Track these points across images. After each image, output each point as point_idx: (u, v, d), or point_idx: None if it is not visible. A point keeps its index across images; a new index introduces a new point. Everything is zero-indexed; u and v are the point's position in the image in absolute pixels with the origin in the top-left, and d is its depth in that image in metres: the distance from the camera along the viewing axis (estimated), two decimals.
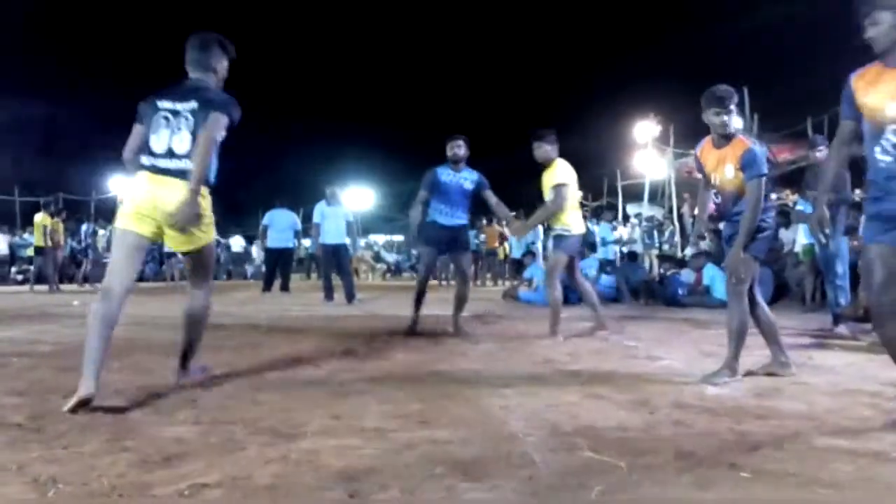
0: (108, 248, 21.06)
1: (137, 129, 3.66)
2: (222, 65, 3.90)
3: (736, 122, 4.24)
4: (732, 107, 4.14)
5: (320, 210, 11.14)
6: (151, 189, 3.51)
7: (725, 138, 4.21)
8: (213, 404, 3.40)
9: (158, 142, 3.54)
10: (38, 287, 15.16)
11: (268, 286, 13.40)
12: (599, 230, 15.35)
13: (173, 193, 3.46)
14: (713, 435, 2.83)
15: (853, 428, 2.94)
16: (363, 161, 36.83)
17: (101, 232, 22.33)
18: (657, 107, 21.87)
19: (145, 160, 3.55)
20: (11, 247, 20.39)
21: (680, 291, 10.15)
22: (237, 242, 29.72)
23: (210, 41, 3.87)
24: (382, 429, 2.92)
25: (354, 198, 30.26)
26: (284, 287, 13.38)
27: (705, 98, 4.23)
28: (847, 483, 2.25)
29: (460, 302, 6.68)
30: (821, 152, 6.94)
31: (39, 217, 15.25)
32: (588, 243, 13.40)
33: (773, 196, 4.83)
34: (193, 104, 3.57)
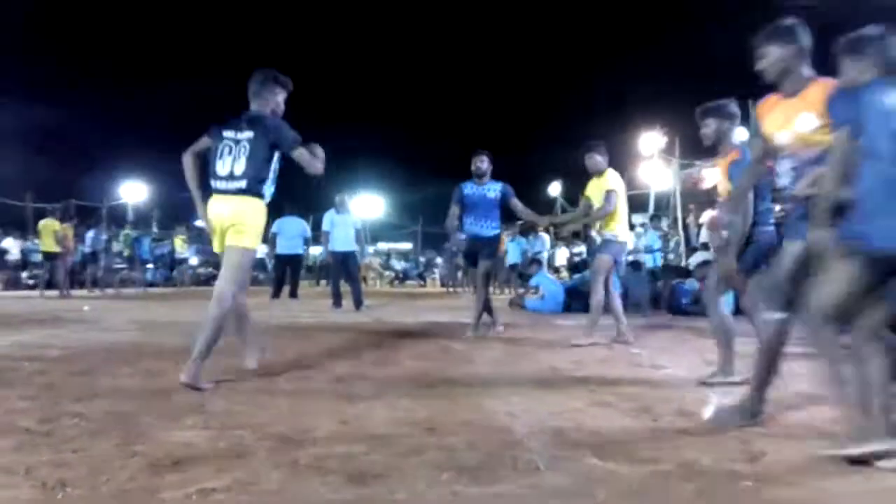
0: (121, 253, 21.24)
1: (205, 140, 4.35)
2: (277, 97, 4.45)
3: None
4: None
5: (330, 218, 11.20)
6: (215, 207, 4.22)
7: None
8: (222, 409, 3.42)
9: (223, 167, 4.18)
10: (48, 292, 15.23)
11: (276, 293, 13.44)
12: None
13: (230, 206, 4.17)
14: (716, 443, 2.84)
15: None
16: (373, 169, 36.92)
17: (119, 234, 22.53)
18: (663, 118, 21.89)
19: (213, 183, 4.23)
20: (23, 252, 20.49)
21: (684, 300, 10.13)
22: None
23: (267, 76, 4.43)
24: (390, 435, 2.94)
25: (364, 206, 30.35)
26: (293, 294, 13.40)
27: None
28: (851, 493, 2.26)
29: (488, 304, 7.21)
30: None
31: (46, 222, 15.30)
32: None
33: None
34: (250, 133, 4.18)
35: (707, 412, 3.49)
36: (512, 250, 17.92)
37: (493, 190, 7.06)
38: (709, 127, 4.47)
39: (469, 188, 7.09)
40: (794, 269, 3.16)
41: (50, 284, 15.53)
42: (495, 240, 7.28)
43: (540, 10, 48.84)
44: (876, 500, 2.23)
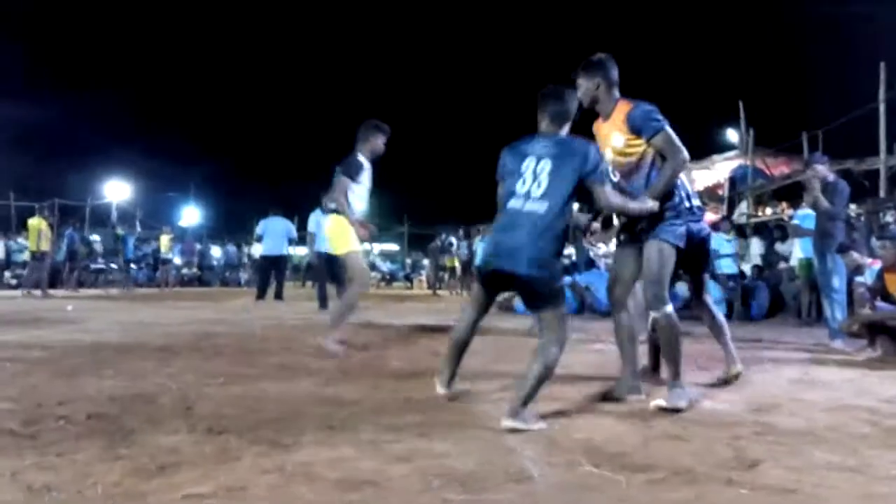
0: (103, 253, 21.09)
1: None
2: (377, 141, 5.93)
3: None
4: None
5: (315, 218, 11.13)
6: None
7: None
8: (208, 413, 3.37)
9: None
10: (35, 291, 15.08)
11: (262, 294, 13.37)
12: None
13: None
14: (711, 450, 2.82)
15: (852, 444, 2.93)
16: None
17: (94, 237, 22.37)
18: None
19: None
20: (7, 250, 20.30)
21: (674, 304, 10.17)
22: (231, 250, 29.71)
23: (369, 124, 5.91)
24: (378, 440, 2.90)
25: None
26: (278, 295, 13.34)
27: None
28: (846, 501, 2.24)
29: None
30: (820, 168, 6.93)
31: (35, 221, 15.16)
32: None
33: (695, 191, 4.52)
34: (339, 169, 5.79)
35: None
36: (463, 246, 16.65)
37: None
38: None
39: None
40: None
41: (36, 283, 15.39)
42: None
43: (525, 5, 49.00)
44: None
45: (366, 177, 5.88)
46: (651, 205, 3.65)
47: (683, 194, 3.86)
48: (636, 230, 3.83)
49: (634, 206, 3.67)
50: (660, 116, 3.71)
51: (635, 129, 3.72)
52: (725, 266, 11.52)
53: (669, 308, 3.68)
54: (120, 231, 20.76)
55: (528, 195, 3.38)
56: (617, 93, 3.87)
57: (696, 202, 4.27)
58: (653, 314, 3.78)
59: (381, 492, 2.27)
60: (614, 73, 3.85)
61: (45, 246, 15.11)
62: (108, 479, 2.34)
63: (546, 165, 3.38)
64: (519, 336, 7.38)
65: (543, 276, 3.29)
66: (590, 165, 3.39)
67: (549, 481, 2.39)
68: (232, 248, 29.15)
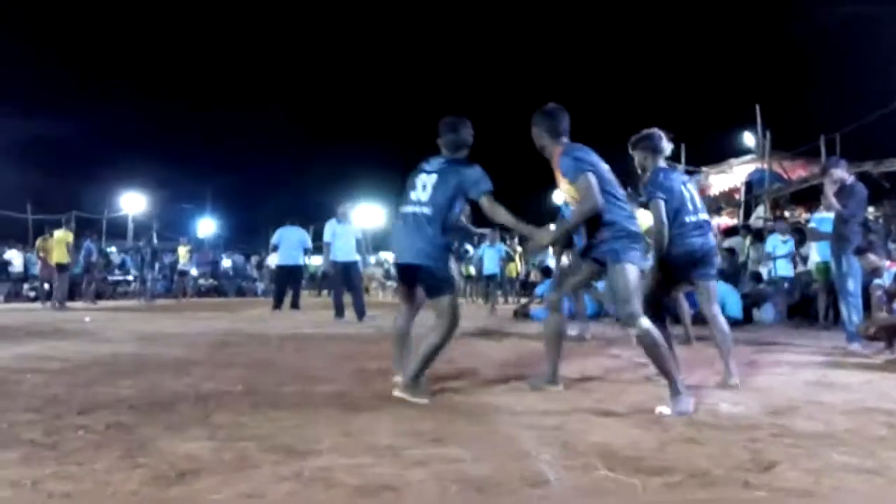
0: (121, 265, 21.25)
1: None
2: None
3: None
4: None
5: (331, 228, 11.17)
6: None
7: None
8: (226, 421, 3.40)
9: None
10: (70, 304, 15.24)
11: (278, 303, 13.42)
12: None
13: None
14: (727, 453, 2.81)
15: (870, 447, 2.91)
16: (373, 179, 36.98)
17: (111, 250, 22.56)
18: (670, 124, 21.89)
19: None
20: (26, 264, 20.50)
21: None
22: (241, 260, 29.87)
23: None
24: (395, 446, 2.91)
25: (365, 215, 30.33)
26: (295, 304, 13.39)
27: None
28: (864, 503, 2.23)
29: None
30: (838, 172, 6.89)
31: (61, 233, 15.32)
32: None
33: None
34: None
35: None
36: (489, 258, 15.90)
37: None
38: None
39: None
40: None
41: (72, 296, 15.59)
42: None
43: (539, 12, 49.06)
44: None
45: None
46: (539, 237, 4.25)
47: (625, 223, 4.02)
48: (595, 251, 4.03)
49: (523, 227, 4.31)
50: (583, 164, 4.00)
51: (563, 173, 4.10)
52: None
53: (646, 323, 3.81)
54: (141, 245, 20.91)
55: (418, 202, 4.11)
56: (561, 139, 4.20)
57: (703, 216, 4.71)
58: (631, 332, 3.91)
59: (399, 497, 2.28)
60: (558, 123, 4.22)
61: (69, 258, 15.27)
62: (127, 487, 2.37)
63: (432, 179, 4.13)
64: (536, 341, 7.37)
65: (431, 265, 4.04)
66: (468, 183, 4.09)
67: (564, 485, 2.40)
68: (239, 257, 29.29)
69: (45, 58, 39.03)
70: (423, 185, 4.14)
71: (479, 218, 4.90)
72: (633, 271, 3.93)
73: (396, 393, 3.96)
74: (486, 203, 4.09)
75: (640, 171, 4.70)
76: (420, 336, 4.26)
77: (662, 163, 4.91)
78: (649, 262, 4.81)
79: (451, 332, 4.07)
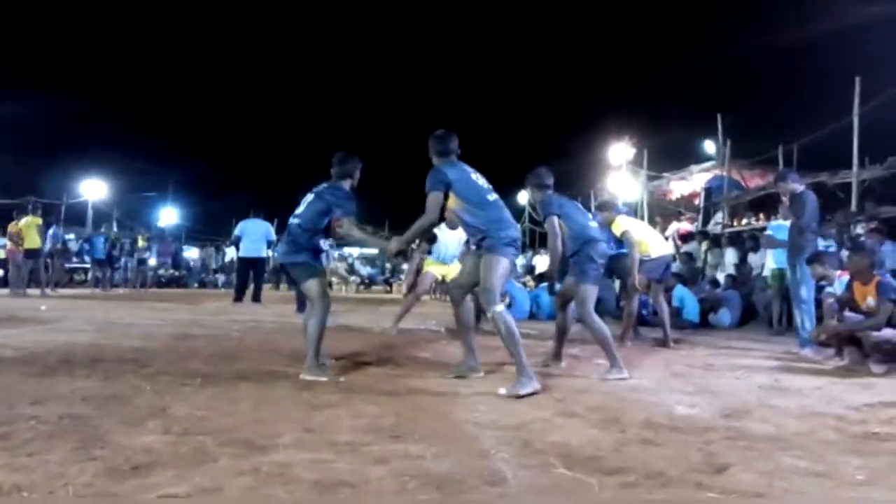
0: (78, 253, 20.81)
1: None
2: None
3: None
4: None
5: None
6: None
7: None
8: (184, 414, 3.36)
9: None
10: (30, 291, 14.89)
11: (239, 296, 13.29)
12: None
13: None
14: (682, 455, 2.85)
15: (819, 450, 2.98)
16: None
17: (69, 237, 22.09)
18: (632, 129, 22.15)
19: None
20: None
21: (644, 312, 10.18)
22: (209, 252, 29.49)
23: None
24: (355, 442, 2.91)
25: None
26: (256, 297, 13.26)
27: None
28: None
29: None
30: (787, 185, 7.10)
31: (29, 219, 14.99)
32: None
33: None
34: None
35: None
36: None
37: None
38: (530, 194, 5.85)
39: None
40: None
41: (35, 282, 15.25)
42: None
43: (505, 24, 49.24)
44: None
45: None
46: (392, 245, 4.90)
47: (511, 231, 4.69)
48: (478, 249, 4.72)
49: (372, 240, 5.90)
50: (432, 183, 4.61)
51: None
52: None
53: (500, 308, 4.44)
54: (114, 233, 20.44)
55: (294, 215, 4.98)
56: (437, 160, 4.77)
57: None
58: (488, 314, 4.53)
59: (358, 493, 2.28)
60: (439, 145, 4.77)
61: (39, 244, 14.96)
62: (81, 479, 2.33)
63: (309, 197, 5.00)
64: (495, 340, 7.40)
65: (289, 262, 4.97)
66: (332, 205, 4.89)
67: (523, 484, 2.42)
68: (209, 249, 28.98)
69: (4, 39, 38.06)
70: (302, 204, 5.01)
71: None
72: (500, 264, 4.52)
73: (302, 376, 4.57)
74: (344, 223, 4.96)
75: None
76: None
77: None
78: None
79: (325, 311, 4.86)
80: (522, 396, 4.07)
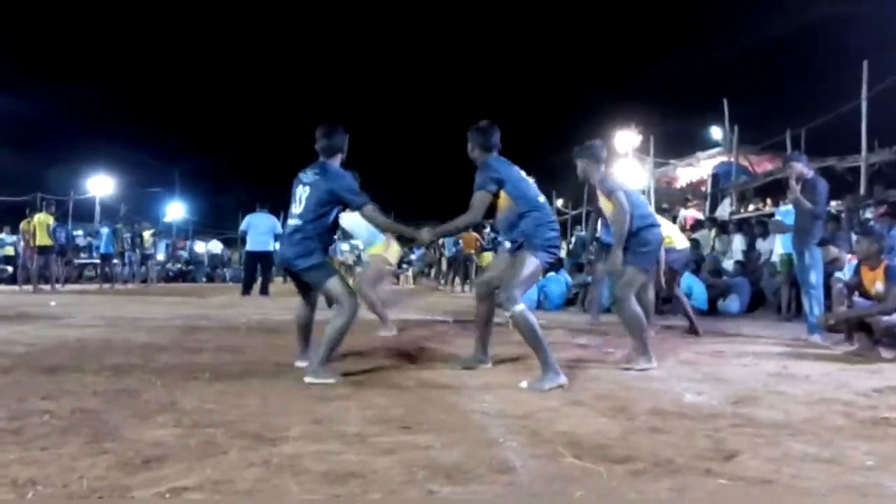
0: (86, 248, 20.88)
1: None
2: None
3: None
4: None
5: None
6: None
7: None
8: (194, 407, 3.38)
9: None
10: (42, 286, 14.98)
11: (247, 289, 13.35)
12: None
13: None
14: (691, 442, 2.86)
15: (828, 436, 2.98)
16: (346, 164, 36.80)
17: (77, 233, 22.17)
18: (638, 116, 22.06)
19: None
20: None
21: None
22: (216, 246, 29.55)
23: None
24: (364, 434, 2.93)
25: None
26: (264, 291, 13.32)
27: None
28: (822, 491, 2.29)
29: None
30: (798, 166, 7.00)
31: (40, 216, 15.08)
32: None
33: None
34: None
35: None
36: (449, 243, 17.78)
37: None
38: (578, 166, 5.36)
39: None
40: None
41: (45, 279, 15.34)
42: None
43: (509, 11, 49.06)
44: (848, 498, 2.25)
45: None
46: (424, 235, 4.78)
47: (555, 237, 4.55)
48: (512, 245, 4.58)
49: (401, 228, 4.97)
50: (483, 180, 4.46)
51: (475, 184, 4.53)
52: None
53: (520, 307, 4.22)
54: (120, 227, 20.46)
55: (293, 215, 4.46)
56: (486, 154, 4.58)
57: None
58: (506, 313, 4.31)
59: (367, 484, 2.29)
60: (488, 139, 4.59)
61: (49, 240, 15.05)
62: (93, 472, 2.35)
63: (306, 191, 4.41)
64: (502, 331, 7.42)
65: (305, 266, 4.37)
66: (338, 189, 4.39)
67: (531, 473, 2.43)
68: (217, 244, 29.06)
69: (11, 36, 38.11)
70: (300, 199, 4.45)
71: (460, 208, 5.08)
72: (535, 266, 4.38)
73: (307, 379, 4.15)
74: (363, 210, 4.50)
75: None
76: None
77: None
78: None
79: (352, 313, 4.37)
80: (546, 391, 3.96)
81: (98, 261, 20.52)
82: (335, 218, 4.53)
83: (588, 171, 5.30)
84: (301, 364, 4.60)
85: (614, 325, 7.92)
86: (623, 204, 4.98)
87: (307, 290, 4.73)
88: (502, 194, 4.46)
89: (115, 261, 19.28)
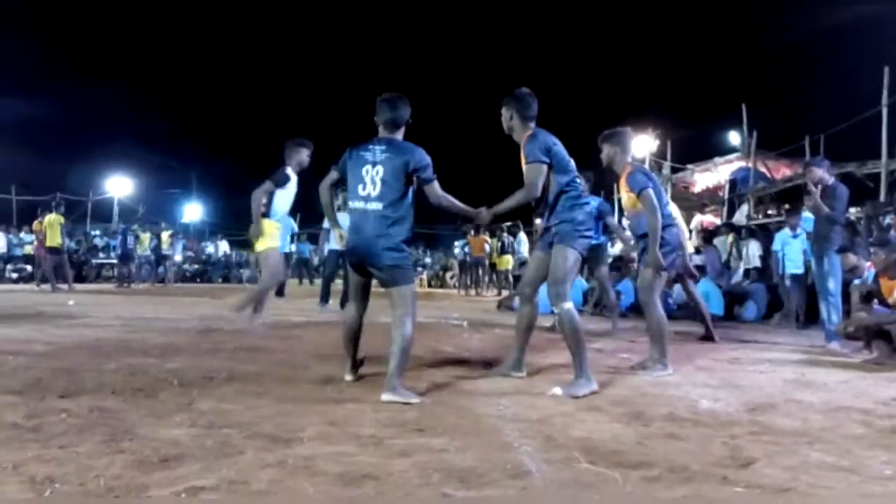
0: (104, 248, 21.06)
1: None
2: (301, 156, 6.81)
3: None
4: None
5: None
6: None
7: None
8: (210, 408, 3.40)
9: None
10: (59, 285, 15.13)
11: None
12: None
13: None
14: (707, 449, 2.85)
15: (846, 445, 2.96)
16: None
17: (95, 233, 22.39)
18: (656, 121, 21.99)
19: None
20: (8, 245, 20.33)
21: (671, 303, 10.14)
22: (224, 247, 29.66)
23: (293, 141, 6.82)
24: (379, 436, 2.93)
25: None
26: (280, 292, 13.35)
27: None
28: (840, 500, 2.27)
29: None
30: (819, 171, 6.93)
31: (52, 217, 15.25)
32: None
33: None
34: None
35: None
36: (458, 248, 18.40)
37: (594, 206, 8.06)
38: (603, 152, 5.29)
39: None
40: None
41: (61, 277, 15.50)
42: (601, 248, 8.08)
43: (529, 9, 49.04)
44: None
45: (291, 185, 6.82)
46: (484, 214, 4.44)
47: (591, 217, 4.57)
48: (549, 238, 4.40)
49: (463, 207, 4.37)
50: (534, 152, 4.26)
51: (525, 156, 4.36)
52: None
53: (569, 305, 4.17)
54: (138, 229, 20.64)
55: (367, 198, 3.95)
56: (529, 125, 4.41)
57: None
58: (555, 310, 4.23)
59: (382, 486, 2.30)
60: (529, 108, 4.40)
61: (61, 240, 15.22)
62: (110, 471, 2.37)
63: (380, 170, 3.94)
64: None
65: (393, 261, 3.91)
66: (414, 165, 3.96)
67: (546, 478, 2.42)
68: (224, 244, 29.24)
69: (31, 39, 38.54)
70: (372, 180, 3.97)
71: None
72: (575, 258, 4.27)
73: (385, 397, 3.70)
74: (432, 188, 4.09)
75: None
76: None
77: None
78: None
79: (415, 319, 4.05)
80: (580, 398, 3.91)
81: (115, 261, 20.69)
82: (413, 202, 4.10)
83: (614, 157, 5.20)
84: (349, 378, 4.31)
85: (629, 330, 7.91)
86: (654, 204, 4.90)
87: (367, 292, 4.32)
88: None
89: (132, 262, 19.45)
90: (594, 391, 4.04)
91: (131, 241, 19.56)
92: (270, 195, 6.65)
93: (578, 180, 4.46)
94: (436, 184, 4.08)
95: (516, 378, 4.53)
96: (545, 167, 4.24)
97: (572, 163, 4.41)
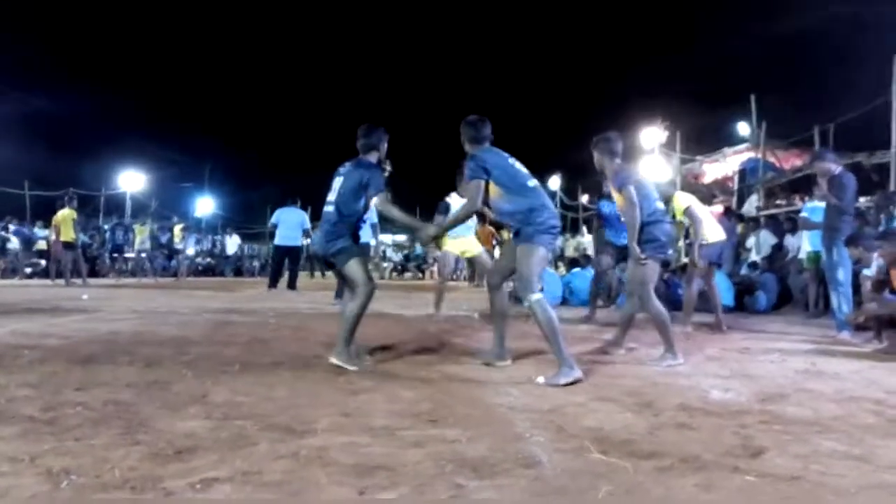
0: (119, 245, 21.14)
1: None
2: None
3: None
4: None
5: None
6: None
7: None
8: (224, 400, 3.43)
9: None
10: (73, 280, 15.25)
11: (273, 283, 13.45)
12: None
13: None
14: (718, 439, 2.85)
15: (857, 434, 2.96)
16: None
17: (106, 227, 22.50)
18: (664, 112, 21.87)
19: None
20: (25, 239, 20.42)
21: (680, 292, 10.09)
22: (234, 241, 29.74)
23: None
24: (391, 427, 2.95)
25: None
26: (291, 285, 13.41)
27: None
28: (852, 489, 2.27)
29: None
30: (824, 165, 6.90)
31: (65, 212, 15.36)
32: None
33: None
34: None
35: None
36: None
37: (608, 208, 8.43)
38: (594, 157, 5.40)
39: (606, 207, 8.57)
40: None
41: (76, 272, 15.62)
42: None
43: (534, 4, 48.84)
44: (878, 496, 2.24)
45: None
46: (429, 230, 5.01)
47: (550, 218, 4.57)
48: (516, 237, 4.64)
49: (409, 220, 5.18)
50: (471, 170, 4.57)
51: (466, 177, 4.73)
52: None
53: (538, 296, 4.37)
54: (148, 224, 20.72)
55: (328, 202, 4.82)
56: (476, 146, 4.71)
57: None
58: (525, 303, 4.44)
59: (395, 476, 2.32)
60: (476, 131, 4.73)
61: (75, 235, 15.34)
62: (126, 463, 2.40)
63: (340, 180, 4.81)
64: (528, 326, 7.41)
65: (332, 252, 4.72)
66: (364, 181, 4.71)
67: (557, 467, 2.44)
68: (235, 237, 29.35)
69: (43, 35, 38.66)
70: (333, 188, 4.82)
71: None
72: (539, 254, 4.47)
73: (331, 360, 4.53)
74: (378, 201, 4.79)
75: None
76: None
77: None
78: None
79: (367, 297, 4.68)
80: (563, 386, 4.00)
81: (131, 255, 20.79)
82: (365, 205, 4.80)
83: (603, 162, 5.35)
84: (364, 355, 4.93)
85: (638, 321, 7.90)
86: (632, 198, 5.04)
87: (341, 276, 4.98)
88: (491, 183, 4.56)
89: (144, 256, 19.57)
90: (578, 378, 4.09)
91: (120, 236, 19.70)
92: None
93: (531, 186, 4.62)
94: (382, 196, 4.77)
95: (500, 366, 4.71)
96: (481, 183, 4.53)
97: (522, 176, 4.60)
